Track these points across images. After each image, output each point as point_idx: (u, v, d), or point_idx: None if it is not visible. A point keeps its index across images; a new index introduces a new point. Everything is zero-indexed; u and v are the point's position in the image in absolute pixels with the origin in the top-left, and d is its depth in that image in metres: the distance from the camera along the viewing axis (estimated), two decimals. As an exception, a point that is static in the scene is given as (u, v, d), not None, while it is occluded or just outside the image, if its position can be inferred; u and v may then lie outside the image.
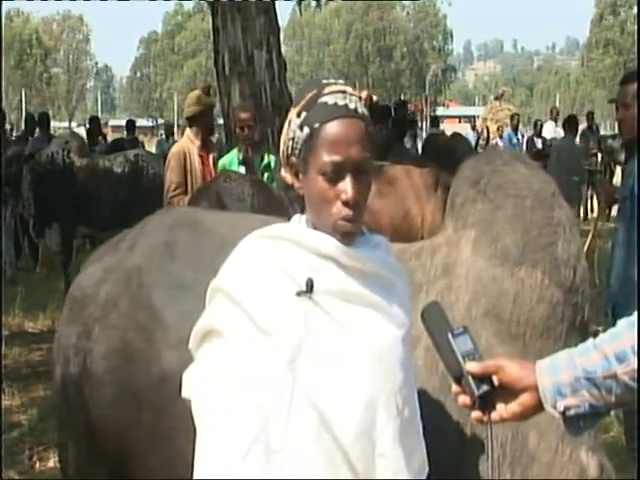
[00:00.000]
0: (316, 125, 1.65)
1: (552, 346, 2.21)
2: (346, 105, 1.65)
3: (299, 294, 1.64)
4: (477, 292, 2.29)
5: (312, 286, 1.64)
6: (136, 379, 2.39)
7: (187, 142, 5.92)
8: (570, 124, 13.13)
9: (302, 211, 1.76)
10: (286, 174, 1.74)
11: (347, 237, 1.67)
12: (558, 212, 2.33)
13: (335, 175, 1.64)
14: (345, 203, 1.64)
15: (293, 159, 1.70)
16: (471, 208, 2.39)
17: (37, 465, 4.78)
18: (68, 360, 2.54)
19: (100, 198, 9.17)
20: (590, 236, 5.67)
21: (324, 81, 1.71)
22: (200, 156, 5.88)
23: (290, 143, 1.69)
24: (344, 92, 1.67)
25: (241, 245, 1.74)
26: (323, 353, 1.63)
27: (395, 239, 2.13)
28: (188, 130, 6.02)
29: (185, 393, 1.75)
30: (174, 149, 6.02)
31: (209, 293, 1.76)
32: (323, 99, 1.66)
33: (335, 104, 1.65)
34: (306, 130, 1.66)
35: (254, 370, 1.62)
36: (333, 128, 1.64)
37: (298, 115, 1.68)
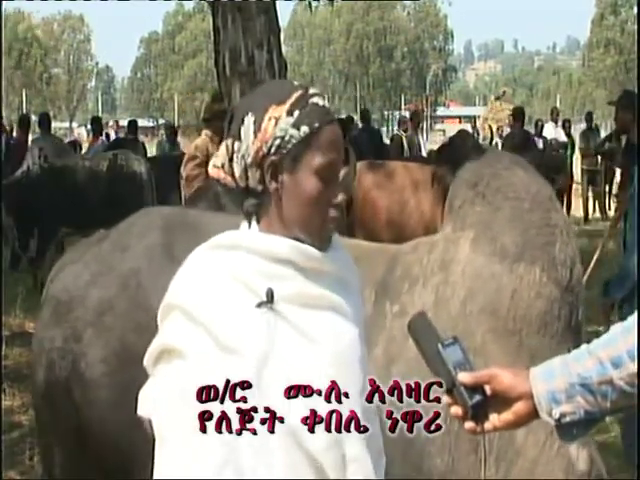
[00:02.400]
0: (316, 125, 1.64)
1: (548, 343, 2.23)
2: (330, 109, 1.69)
3: (259, 305, 1.61)
4: (473, 288, 2.31)
5: (272, 296, 1.61)
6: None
7: (208, 140, 6.04)
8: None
9: (249, 217, 1.69)
10: (250, 175, 1.65)
11: (329, 238, 1.68)
12: (555, 215, 2.38)
13: (330, 176, 1.65)
14: (337, 206, 1.66)
15: (273, 158, 1.64)
16: (470, 210, 2.42)
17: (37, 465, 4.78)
18: (53, 364, 2.51)
19: (81, 197, 9.22)
20: (600, 246, 5.77)
21: (295, 82, 1.75)
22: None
23: (277, 142, 1.64)
24: (322, 95, 1.70)
25: (192, 257, 1.70)
26: (287, 364, 1.61)
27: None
28: (206, 130, 6.14)
29: (141, 412, 1.72)
30: (197, 143, 6.14)
31: (161, 310, 1.70)
32: (313, 100, 1.66)
33: (324, 106, 1.67)
34: (304, 129, 1.63)
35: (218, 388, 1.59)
36: (332, 130, 1.66)
37: (289, 114, 1.64)
